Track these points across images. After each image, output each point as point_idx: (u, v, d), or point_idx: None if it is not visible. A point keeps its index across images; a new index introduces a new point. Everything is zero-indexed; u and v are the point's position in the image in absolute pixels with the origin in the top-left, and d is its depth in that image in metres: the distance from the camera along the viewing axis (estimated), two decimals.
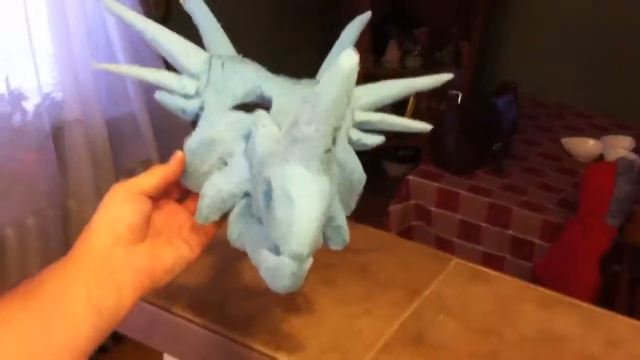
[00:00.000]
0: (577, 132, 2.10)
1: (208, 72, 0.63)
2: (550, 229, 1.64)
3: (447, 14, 2.93)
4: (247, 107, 0.61)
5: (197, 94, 0.63)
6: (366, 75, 2.52)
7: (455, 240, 1.78)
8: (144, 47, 1.69)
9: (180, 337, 0.79)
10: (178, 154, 0.58)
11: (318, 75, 0.69)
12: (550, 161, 1.96)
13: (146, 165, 1.42)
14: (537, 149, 2.02)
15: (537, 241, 1.67)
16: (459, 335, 0.78)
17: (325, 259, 0.63)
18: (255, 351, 0.72)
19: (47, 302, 0.47)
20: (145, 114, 1.81)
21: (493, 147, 1.84)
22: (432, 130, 0.72)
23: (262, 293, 0.69)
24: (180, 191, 0.61)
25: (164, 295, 0.75)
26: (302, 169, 0.48)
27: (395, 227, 1.78)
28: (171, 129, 1.80)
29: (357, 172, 0.62)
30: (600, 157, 1.93)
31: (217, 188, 0.56)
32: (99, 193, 1.67)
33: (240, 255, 0.59)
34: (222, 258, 0.82)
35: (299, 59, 1.91)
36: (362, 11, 0.75)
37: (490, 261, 1.72)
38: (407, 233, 1.84)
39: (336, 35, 0.76)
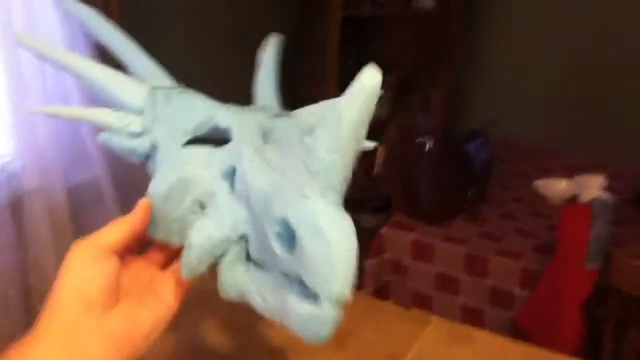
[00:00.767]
0: (550, 173, 2.08)
1: (153, 107, 0.58)
2: (529, 276, 1.61)
3: (414, 60, 2.95)
4: (199, 140, 0.56)
5: (145, 130, 0.57)
6: None
7: (433, 293, 1.73)
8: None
9: None
10: (143, 202, 0.52)
11: (257, 101, 0.64)
12: (524, 205, 1.93)
13: None
14: (512, 193, 2.00)
15: (517, 289, 1.63)
16: None
17: None
18: None
19: None
20: (108, 179, 1.75)
21: (468, 194, 1.82)
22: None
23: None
24: (139, 243, 0.54)
25: None
26: (327, 203, 0.43)
27: (371, 284, 1.73)
28: (135, 194, 1.75)
29: None
30: (574, 198, 1.91)
31: (207, 235, 0.50)
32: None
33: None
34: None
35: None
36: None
37: (470, 313, 1.67)
38: (383, 289, 1.79)
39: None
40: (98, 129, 0.60)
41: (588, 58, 2.77)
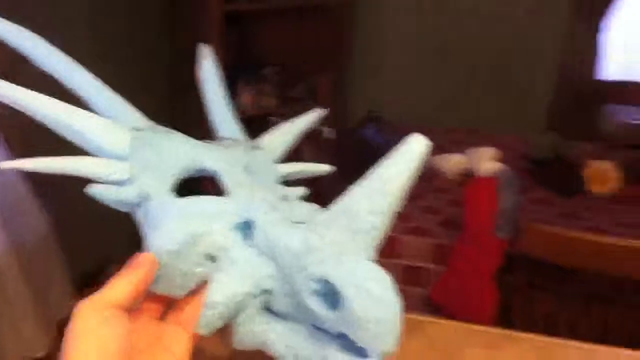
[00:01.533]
0: (442, 149, 2.15)
1: (137, 151, 0.55)
2: (441, 252, 1.64)
3: (296, 50, 2.94)
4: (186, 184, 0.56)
5: (132, 177, 0.54)
6: None
7: None
8: None
9: None
10: (149, 257, 0.48)
11: (219, 131, 0.64)
12: (424, 183, 1.97)
13: None
14: None
15: (432, 266, 1.66)
16: None
17: None
18: None
19: None
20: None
21: None
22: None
23: None
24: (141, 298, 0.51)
25: None
26: (368, 262, 0.45)
27: None
28: None
29: None
30: (468, 172, 1.97)
31: (231, 293, 0.49)
32: None
33: None
34: None
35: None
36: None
37: None
38: None
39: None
40: None
41: (463, 40, 2.89)
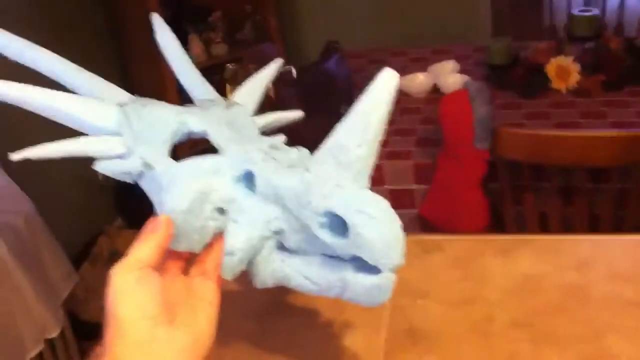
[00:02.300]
0: (403, 70, 2.17)
1: (128, 125, 0.59)
2: (421, 171, 1.69)
3: None
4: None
5: (129, 150, 0.58)
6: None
7: None
8: None
9: None
10: (165, 218, 0.53)
11: (192, 93, 0.68)
12: (393, 106, 2.00)
13: None
14: None
15: (414, 186, 1.71)
16: (447, 313, 0.77)
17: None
18: None
19: None
20: None
21: (341, 110, 1.84)
22: (275, 111, 0.72)
23: None
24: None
25: None
26: (362, 189, 0.51)
27: None
28: None
29: None
30: (435, 88, 2.01)
31: (246, 238, 0.54)
32: None
33: None
34: None
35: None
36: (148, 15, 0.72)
37: None
38: None
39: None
40: None
41: None
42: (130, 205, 2.60)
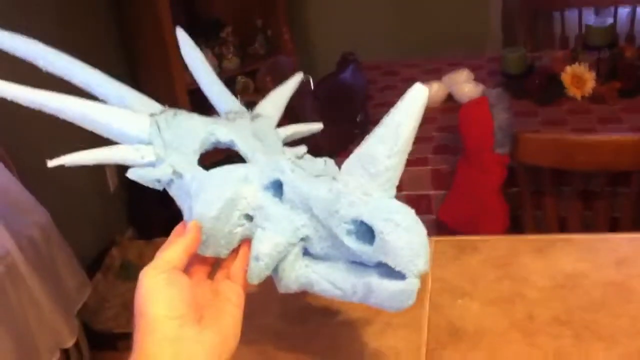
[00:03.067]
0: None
1: (158, 134, 0.61)
2: (439, 177, 1.69)
3: (245, 8, 2.90)
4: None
5: (159, 159, 0.60)
6: (190, 91, 2.43)
7: None
8: None
9: None
10: (194, 223, 0.55)
11: (217, 105, 0.70)
12: None
13: None
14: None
15: (432, 192, 1.71)
16: (487, 312, 0.77)
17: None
18: None
19: None
20: None
21: (357, 120, 1.85)
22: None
23: None
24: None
25: None
26: (390, 198, 0.53)
27: None
28: None
29: None
30: (449, 97, 2.01)
31: (273, 244, 0.55)
32: None
33: None
34: None
35: None
36: (168, 32, 0.75)
37: None
38: None
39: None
40: None
41: None
42: (142, 216, 2.60)
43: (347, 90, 1.88)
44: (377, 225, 0.50)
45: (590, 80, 1.83)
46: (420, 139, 1.83)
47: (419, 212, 1.88)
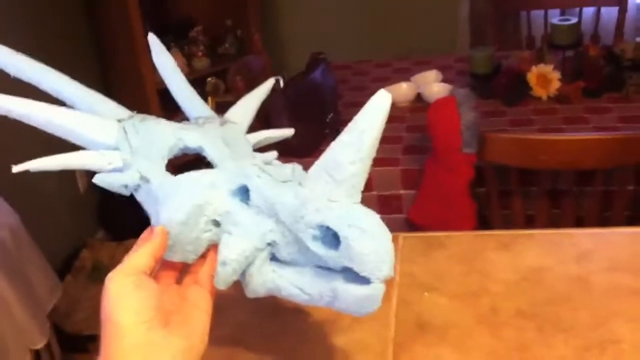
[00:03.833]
0: (385, 81, 2.20)
1: (126, 140, 0.61)
2: (408, 177, 1.71)
3: (215, 7, 2.90)
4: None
5: (126, 164, 0.60)
6: (160, 91, 2.42)
7: None
8: None
9: None
10: (160, 228, 0.55)
11: (187, 111, 0.70)
12: None
13: None
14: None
15: (402, 192, 1.73)
16: (454, 306, 0.79)
17: None
18: None
19: None
20: None
21: (327, 120, 1.86)
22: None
23: None
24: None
25: None
26: (354, 204, 0.53)
27: None
28: None
29: None
30: (419, 97, 2.04)
31: (240, 250, 0.55)
32: None
33: None
34: None
35: None
36: (138, 30, 0.74)
37: None
38: None
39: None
40: None
41: None
42: (113, 218, 2.59)
43: (317, 90, 1.89)
44: (342, 231, 0.51)
45: (555, 80, 1.87)
46: (390, 138, 1.88)
47: (389, 212, 1.90)
